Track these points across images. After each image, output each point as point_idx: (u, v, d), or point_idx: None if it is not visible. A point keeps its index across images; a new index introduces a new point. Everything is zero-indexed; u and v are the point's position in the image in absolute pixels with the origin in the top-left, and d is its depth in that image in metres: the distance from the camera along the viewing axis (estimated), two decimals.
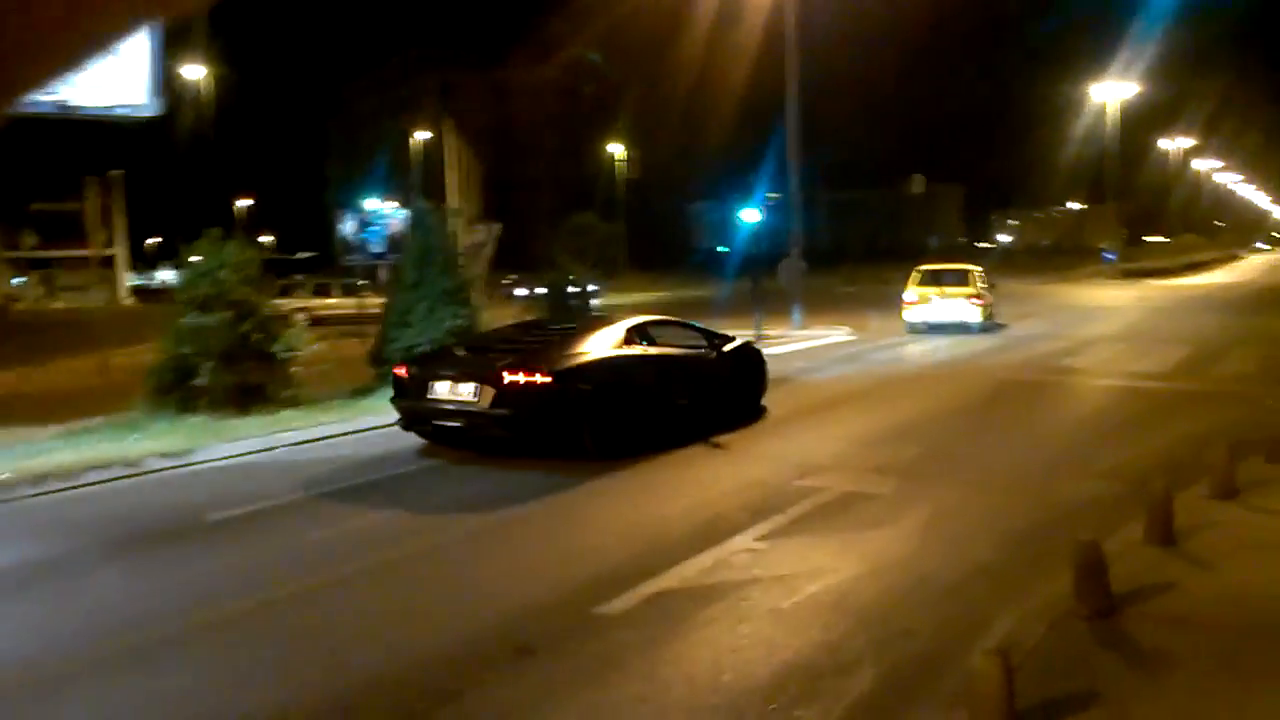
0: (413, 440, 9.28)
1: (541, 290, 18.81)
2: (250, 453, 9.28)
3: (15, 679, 4.57)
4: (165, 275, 51.90)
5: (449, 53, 76.80)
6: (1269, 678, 3.99)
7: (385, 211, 24.35)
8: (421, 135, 55.02)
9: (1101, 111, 51.49)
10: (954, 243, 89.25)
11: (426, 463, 8.87)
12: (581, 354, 8.99)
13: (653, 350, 9.83)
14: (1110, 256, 56.86)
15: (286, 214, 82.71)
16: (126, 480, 8.33)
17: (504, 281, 39.08)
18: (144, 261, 65.09)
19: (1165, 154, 71.36)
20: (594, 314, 16.23)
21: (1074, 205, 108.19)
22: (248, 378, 10.72)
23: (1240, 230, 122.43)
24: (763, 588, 5.45)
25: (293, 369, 11.20)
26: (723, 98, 63.44)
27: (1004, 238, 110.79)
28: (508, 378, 8.38)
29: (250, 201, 68.78)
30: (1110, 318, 25.46)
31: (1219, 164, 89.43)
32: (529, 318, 13.77)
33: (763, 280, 23.29)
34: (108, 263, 34.72)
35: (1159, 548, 5.47)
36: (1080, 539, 4.64)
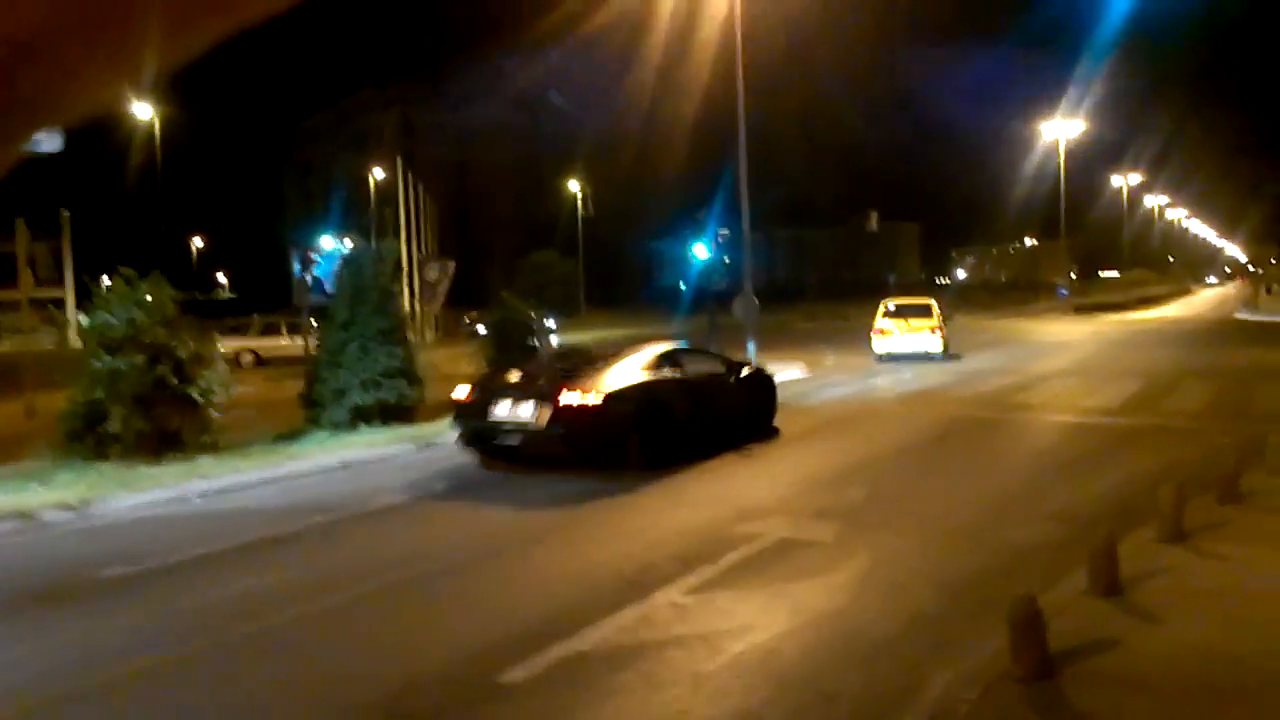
0: (328, 489, 8.84)
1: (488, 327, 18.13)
2: (156, 504, 8.72)
3: None
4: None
5: (408, 91, 76.71)
6: None
7: (337, 250, 23.84)
8: (380, 173, 54.57)
9: (1052, 149, 52.41)
10: (912, 279, 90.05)
11: (345, 513, 8.39)
12: (623, 378, 9.98)
13: (681, 374, 10.81)
14: (1063, 292, 57.61)
15: (242, 253, 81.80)
16: (15, 535, 7.74)
17: (466, 319, 38.58)
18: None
19: (1118, 190, 72.73)
20: (567, 349, 15.77)
21: (1029, 241, 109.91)
22: (163, 423, 10.15)
23: (1191, 266, 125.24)
24: (685, 648, 5.03)
25: (212, 413, 10.63)
26: (678, 135, 63.85)
27: (961, 273, 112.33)
28: (564, 399, 9.38)
29: (202, 243, 67.81)
30: (1063, 352, 25.50)
31: (1167, 200, 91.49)
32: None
33: (718, 316, 23.06)
34: (60, 305, 33.83)
35: (1103, 599, 5.13)
36: (1016, 594, 4.29)
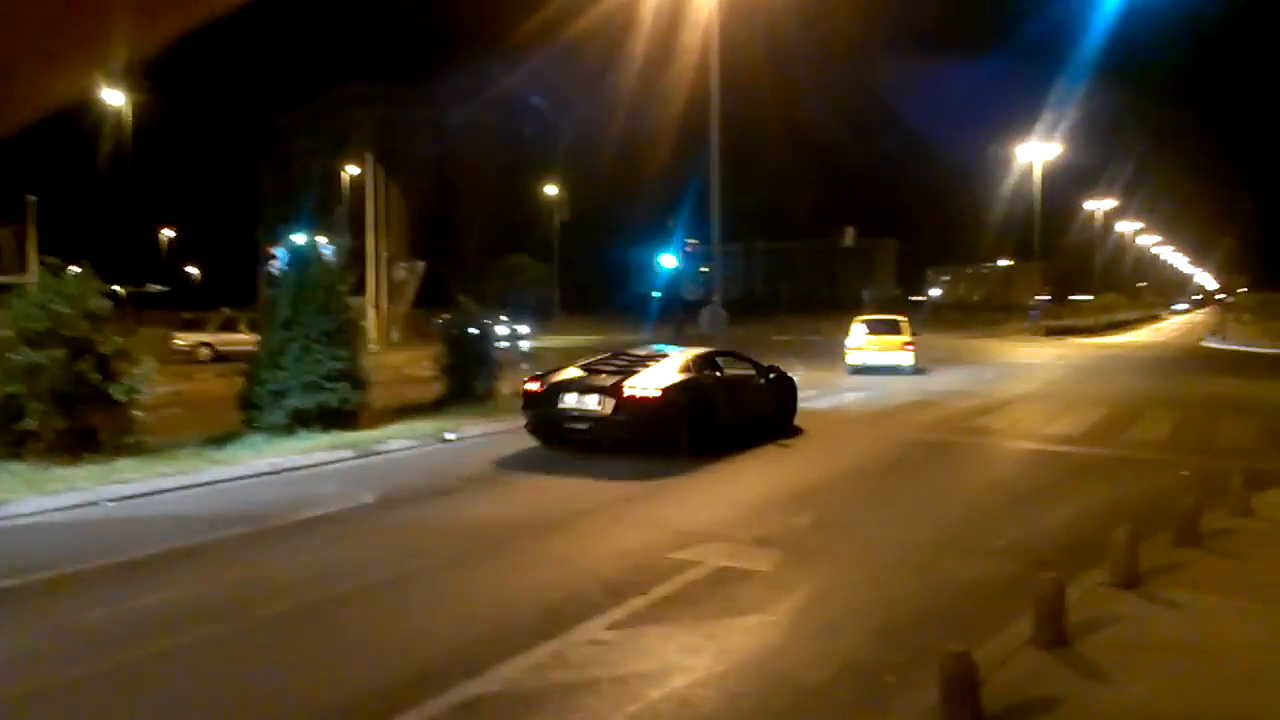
0: (253, 496, 8.36)
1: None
2: (65, 508, 8.20)
3: None
4: None
5: (386, 90, 75.94)
6: None
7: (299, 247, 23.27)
8: (354, 170, 53.87)
9: (1028, 171, 52.61)
10: (887, 295, 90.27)
11: (266, 524, 7.92)
12: (675, 375, 11.40)
13: (722, 375, 12.36)
14: (1034, 314, 57.89)
15: (216, 247, 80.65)
16: None
17: (438, 320, 38.09)
18: None
19: (1091, 215, 73.17)
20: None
21: (1004, 262, 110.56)
22: (82, 421, 9.63)
23: (1161, 291, 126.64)
24: (597, 694, 4.63)
25: (136, 413, 10.10)
26: (658, 143, 63.60)
27: (935, 291, 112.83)
28: (627, 392, 10.85)
29: (173, 234, 66.59)
30: (1030, 375, 25.39)
31: (1140, 225, 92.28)
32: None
33: (685, 327, 22.72)
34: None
35: (1048, 650, 4.78)
36: (948, 649, 3.93)
